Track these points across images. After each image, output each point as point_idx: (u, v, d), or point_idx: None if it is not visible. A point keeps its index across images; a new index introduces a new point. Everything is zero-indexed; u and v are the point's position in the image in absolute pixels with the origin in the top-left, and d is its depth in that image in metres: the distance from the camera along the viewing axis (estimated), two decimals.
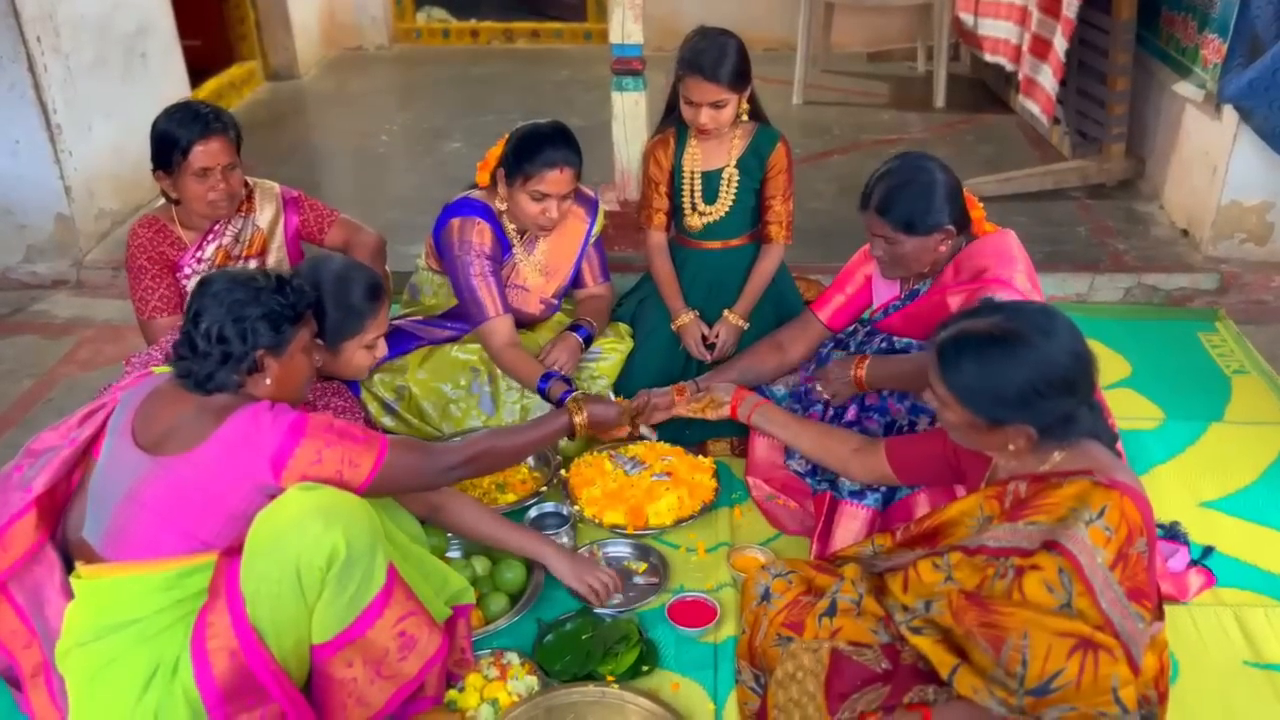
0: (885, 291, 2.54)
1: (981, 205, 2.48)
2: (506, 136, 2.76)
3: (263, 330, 1.86)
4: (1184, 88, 3.89)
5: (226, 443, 1.81)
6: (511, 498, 2.63)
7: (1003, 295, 2.21)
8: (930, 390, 1.86)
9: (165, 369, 1.99)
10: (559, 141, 2.67)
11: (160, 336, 2.60)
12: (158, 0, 4.51)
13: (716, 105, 2.72)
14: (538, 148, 2.65)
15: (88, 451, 2.00)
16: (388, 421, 2.82)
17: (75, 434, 2.01)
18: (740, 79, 2.73)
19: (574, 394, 2.53)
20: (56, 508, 2.00)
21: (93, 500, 1.90)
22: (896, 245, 2.35)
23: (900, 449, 2.17)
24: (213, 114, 2.66)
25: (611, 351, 2.94)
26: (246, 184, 2.82)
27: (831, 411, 2.50)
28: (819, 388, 2.52)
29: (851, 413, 2.46)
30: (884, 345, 2.47)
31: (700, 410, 2.51)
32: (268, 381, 1.90)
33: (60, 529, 2.00)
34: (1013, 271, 2.29)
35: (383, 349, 2.39)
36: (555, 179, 2.66)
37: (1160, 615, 1.85)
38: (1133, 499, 1.71)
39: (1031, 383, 1.72)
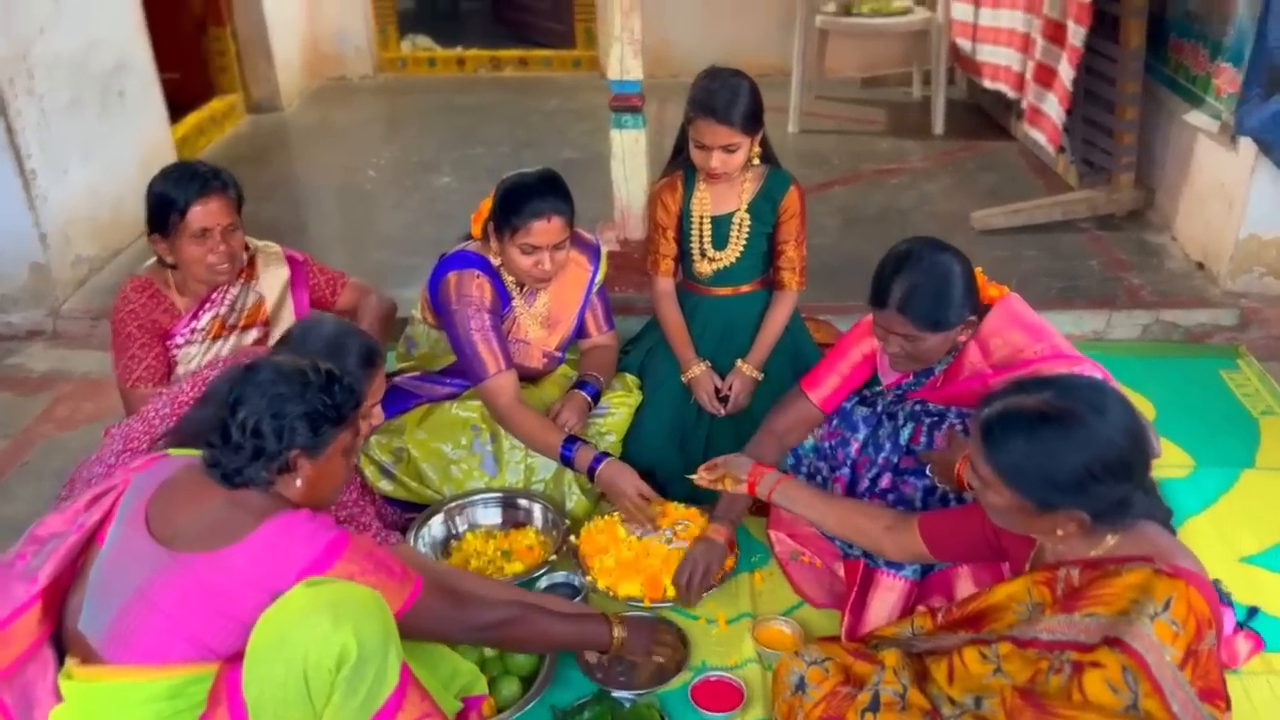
0: (892, 372, 2.37)
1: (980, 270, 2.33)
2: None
3: (300, 430, 1.74)
4: (1197, 117, 3.79)
5: (259, 548, 1.68)
6: (519, 567, 2.48)
7: (1061, 369, 2.07)
8: (972, 470, 1.73)
9: (183, 452, 1.88)
10: (544, 191, 2.52)
11: (142, 406, 2.44)
12: (135, 35, 4.37)
13: (728, 149, 2.61)
14: (523, 199, 2.51)
15: (93, 538, 1.85)
16: (385, 486, 2.67)
17: (83, 519, 1.86)
18: (753, 121, 2.61)
19: (612, 617, 2.24)
20: (60, 599, 1.85)
21: (95, 592, 1.75)
22: (919, 343, 2.16)
23: (935, 527, 2.03)
24: (211, 172, 2.53)
25: (620, 406, 2.80)
26: (247, 247, 2.67)
27: (866, 483, 2.36)
28: (929, 472, 2.29)
29: (886, 480, 2.32)
30: (918, 408, 2.33)
31: (716, 484, 2.36)
32: (298, 483, 1.77)
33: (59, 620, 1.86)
34: (1049, 341, 2.16)
35: (378, 416, 2.25)
36: (543, 229, 2.52)
37: (1229, 705, 1.72)
38: (1199, 588, 1.60)
39: (1086, 466, 1.61)
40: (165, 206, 2.47)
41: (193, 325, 2.61)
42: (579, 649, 2.21)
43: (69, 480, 2.38)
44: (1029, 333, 2.20)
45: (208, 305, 2.62)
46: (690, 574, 2.35)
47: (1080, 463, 1.61)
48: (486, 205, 2.65)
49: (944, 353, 2.23)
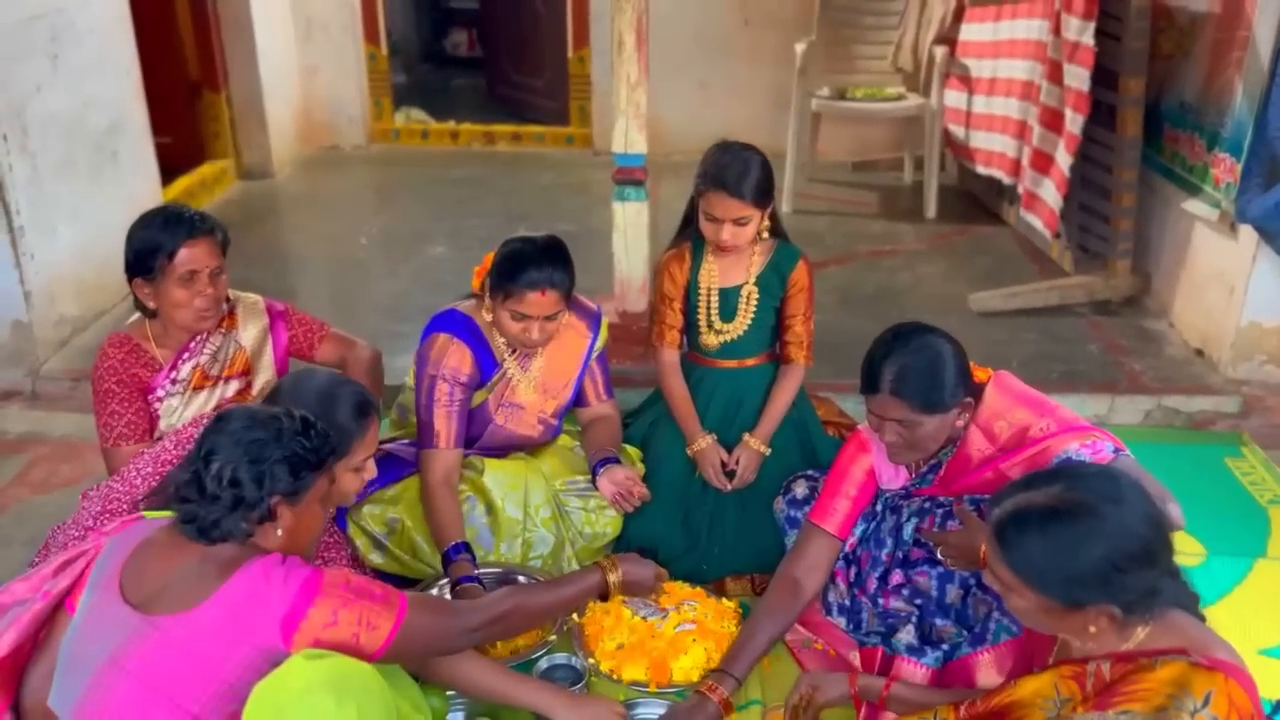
0: (895, 475, 2.29)
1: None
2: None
3: (281, 475, 1.68)
4: (1195, 206, 3.82)
5: (232, 601, 1.61)
6: (518, 644, 2.37)
7: (1073, 447, 2.03)
8: (991, 574, 1.67)
9: (158, 514, 1.79)
10: (544, 261, 2.45)
11: (123, 466, 2.34)
12: (132, 97, 4.34)
13: (739, 222, 2.58)
14: (520, 267, 2.44)
15: (60, 605, 1.77)
16: (376, 558, 2.57)
17: (50, 585, 1.78)
18: (764, 195, 2.59)
19: (607, 555, 2.30)
20: (20, 669, 1.75)
21: (66, 664, 1.65)
22: (915, 428, 2.10)
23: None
24: (198, 216, 2.49)
25: None
26: (229, 297, 2.61)
27: (875, 581, 2.27)
28: (940, 554, 2.21)
29: (897, 576, 2.24)
30: (928, 504, 2.25)
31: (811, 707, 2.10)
32: (279, 532, 1.71)
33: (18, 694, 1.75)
34: (1054, 414, 2.11)
35: (371, 471, 2.16)
36: (535, 301, 2.45)
37: None
38: (1239, 681, 1.52)
39: (1108, 558, 1.54)
40: (152, 250, 2.41)
41: (173, 376, 2.54)
42: (580, 606, 2.29)
43: (44, 545, 2.27)
44: (1032, 409, 2.15)
45: (186, 355, 2.55)
46: None
47: (1101, 555, 1.55)
48: (489, 260, 2.60)
49: (942, 440, 2.16)
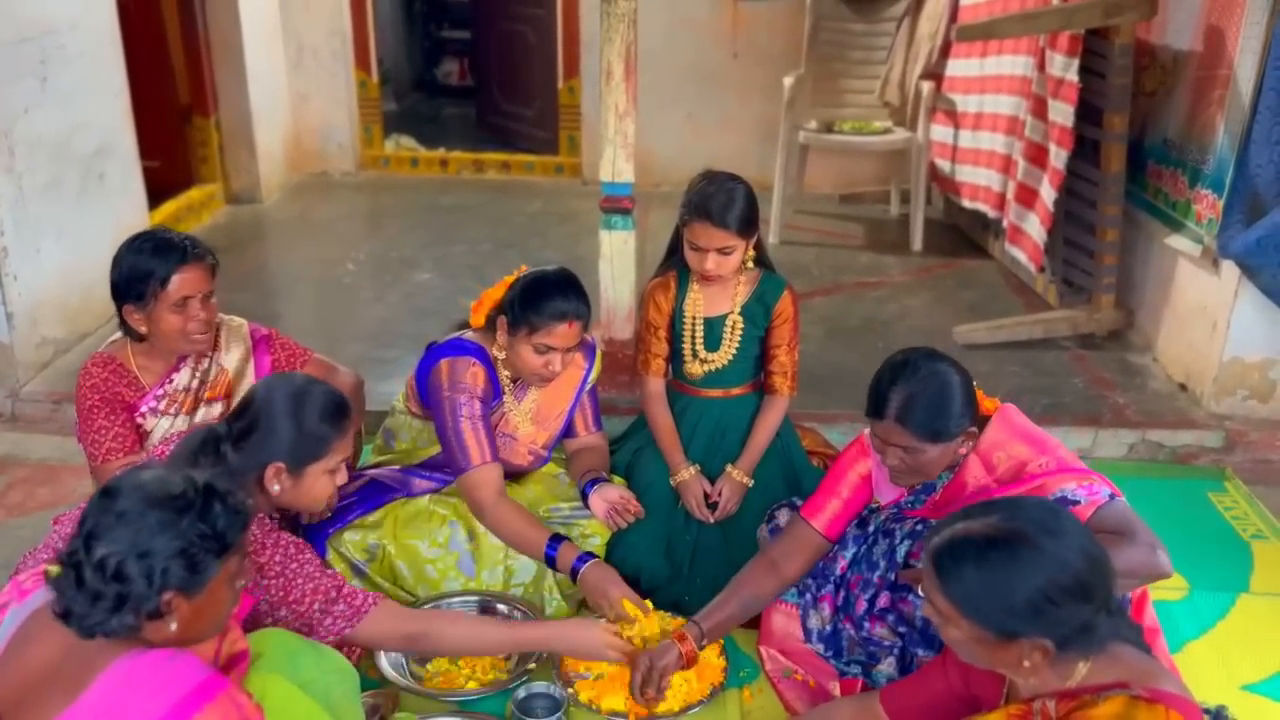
0: (891, 489, 2.29)
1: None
2: (509, 279, 2.57)
3: (175, 570, 1.45)
4: (1178, 241, 3.85)
5: (101, 707, 1.38)
6: (493, 676, 2.35)
7: (1068, 486, 2.02)
8: (928, 604, 1.66)
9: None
10: (569, 293, 2.48)
11: None
12: (121, 120, 4.34)
13: (723, 251, 2.58)
14: (546, 298, 2.45)
15: None
16: (356, 584, 2.53)
17: None
18: (748, 225, 2.60)
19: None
20: None
21: None
22: (918, 455, 2.10)
23: (897, 696, 1.95)
24: (190, 241, 2.49)
25: None
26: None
27: (865, 604, 2.25)
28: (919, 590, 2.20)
29: (884, 599, 2.23)
30: (920, 527, 2.25)
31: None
32: (172, 627, 1.47)
33: None
34: (1053, 453, 2.11)
35: (343, 475, 2.14)
36: (564, 333, 2.46)
37: None
38: (1181, 711, 1.51)
39: (1041, 589, 1.53)
40: (144, 276, 2.41)
41: (158, 395, 2.53)
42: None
43: (14, 570, 2.23)
44: (1032, 445, 2.15)
45: (172, 376, 2.54)
46: (642, 676, 2.23)
47: (1035, 586, 1.53)
48: (488, 295, 2.60)
49: (944, 466, 2.16)
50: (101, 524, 1.45)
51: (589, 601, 2.45)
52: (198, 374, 2.58)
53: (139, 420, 2.52)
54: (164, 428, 2.54)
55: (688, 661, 2.26)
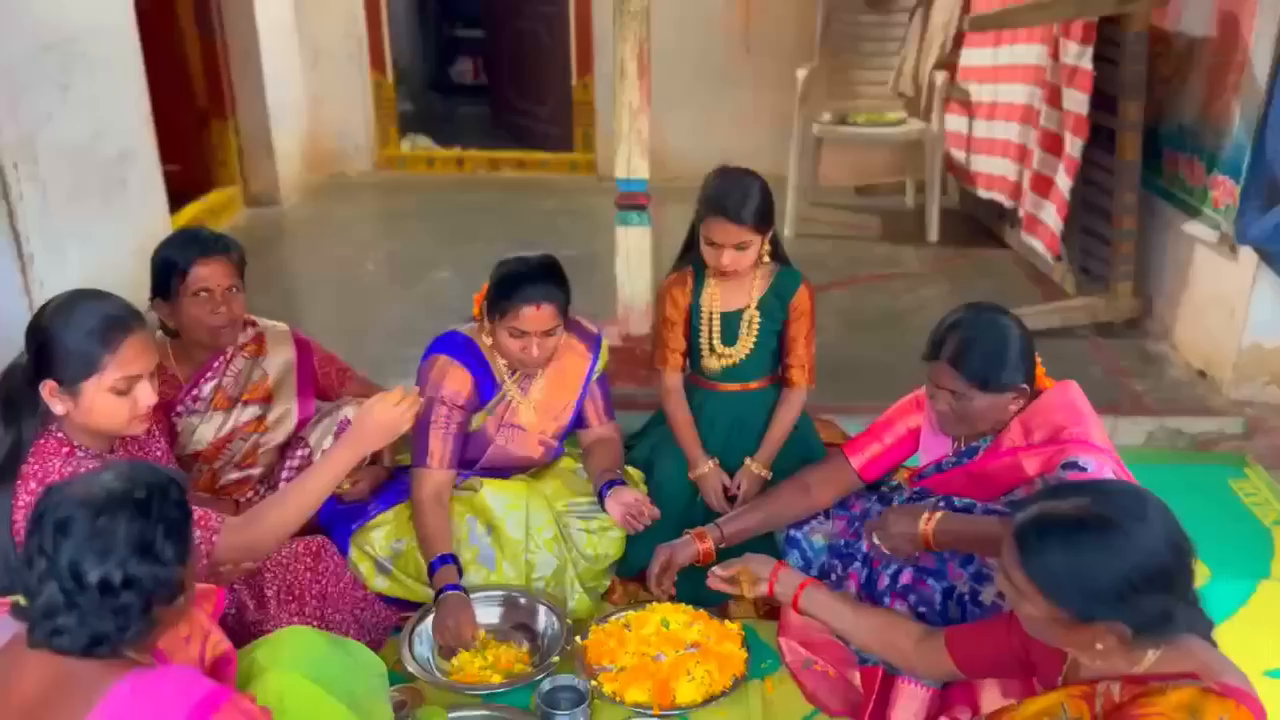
0: (935, 447, 2.35)
1: (1040, 361, 2.32)
2: None
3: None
4: (1195, 228, 3.84)
5: None
6: (518, 669, 2.39)
7: (1084, 456, 2.04)
8: (1005, 579, 1.67)
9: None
10: (538, 277, 2.50)
11: None
12: (141, 126, 4.39)
13: (740, 247, 2.60)
14: (516, 284, 2.49)
15: None
16: (380, 583, 2.57)
17: None
18: (764, 220, 2.61)
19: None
20: None
21: None
22: (966, 401, 2.16)
23: (963, 643, 1.95)
24: (214, 237, 2.55)
25: None
26: (255, 323, 2.67)
27: (887, 579, 2.28)
28: (875, 539, 2.25)
29: (907, 576, 2.25)
30: (942, 505, 2.27)
31: (733, 586, 2.29)
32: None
33: None
34: (1088, 428, 2.13)
35: (148, 397, 1.97)
36: (533, 316, 2.48)
37: None
38: (1250, 708, 1.51)
39: (1126, 576, 1.53)
40: (167, 269, 2.48)
41: (194, 394, 2.58)
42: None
43: None
44: (1071, 416, 2.17)
45: (209, 374, 2.59)
46: (659, 567, 2.44)
47: (1120, 572, 1.53)
48: (488, 287, 2.63)
49: (991, 422, 2.20)
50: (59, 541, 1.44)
51: (434, 625, 2.44)
52: (236, 374, 2.63)
53: (174, 416, 2.56)
54: (200, 424, 2.59)
55: (704, 558, 2.44)
